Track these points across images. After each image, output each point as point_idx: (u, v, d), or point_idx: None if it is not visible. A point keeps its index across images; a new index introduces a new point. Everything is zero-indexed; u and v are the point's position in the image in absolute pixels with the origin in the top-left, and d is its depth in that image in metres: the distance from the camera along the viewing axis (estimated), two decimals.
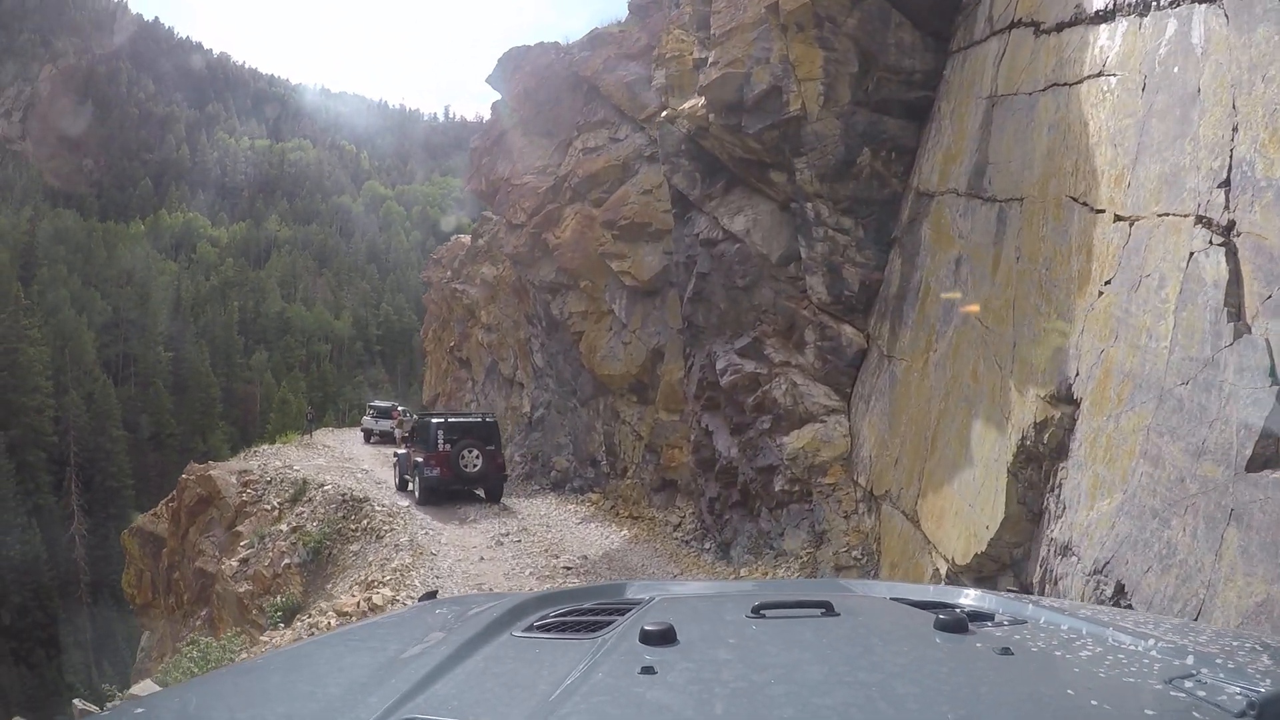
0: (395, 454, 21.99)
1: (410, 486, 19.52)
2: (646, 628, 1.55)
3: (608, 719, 1.18)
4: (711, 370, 12.63)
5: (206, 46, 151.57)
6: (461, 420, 19.68)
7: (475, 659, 1.54)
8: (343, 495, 18.08)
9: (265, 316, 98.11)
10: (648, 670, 1.34)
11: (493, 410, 28.44)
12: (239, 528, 21.47)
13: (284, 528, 18.18)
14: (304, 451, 31.03)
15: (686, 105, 13.55)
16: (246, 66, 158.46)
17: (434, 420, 19.17)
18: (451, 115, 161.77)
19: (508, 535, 15.53)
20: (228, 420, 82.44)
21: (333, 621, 11.33)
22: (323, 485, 19.70)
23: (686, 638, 1.55)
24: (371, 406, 38.09)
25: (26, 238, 78.86)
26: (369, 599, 11.45)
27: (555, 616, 1.91)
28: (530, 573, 12.68)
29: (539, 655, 1.60)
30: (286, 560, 16.83)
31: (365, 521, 16.82)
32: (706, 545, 13.49)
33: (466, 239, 35.58)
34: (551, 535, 15.71)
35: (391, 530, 15.92)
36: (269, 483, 23.04)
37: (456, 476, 18.00)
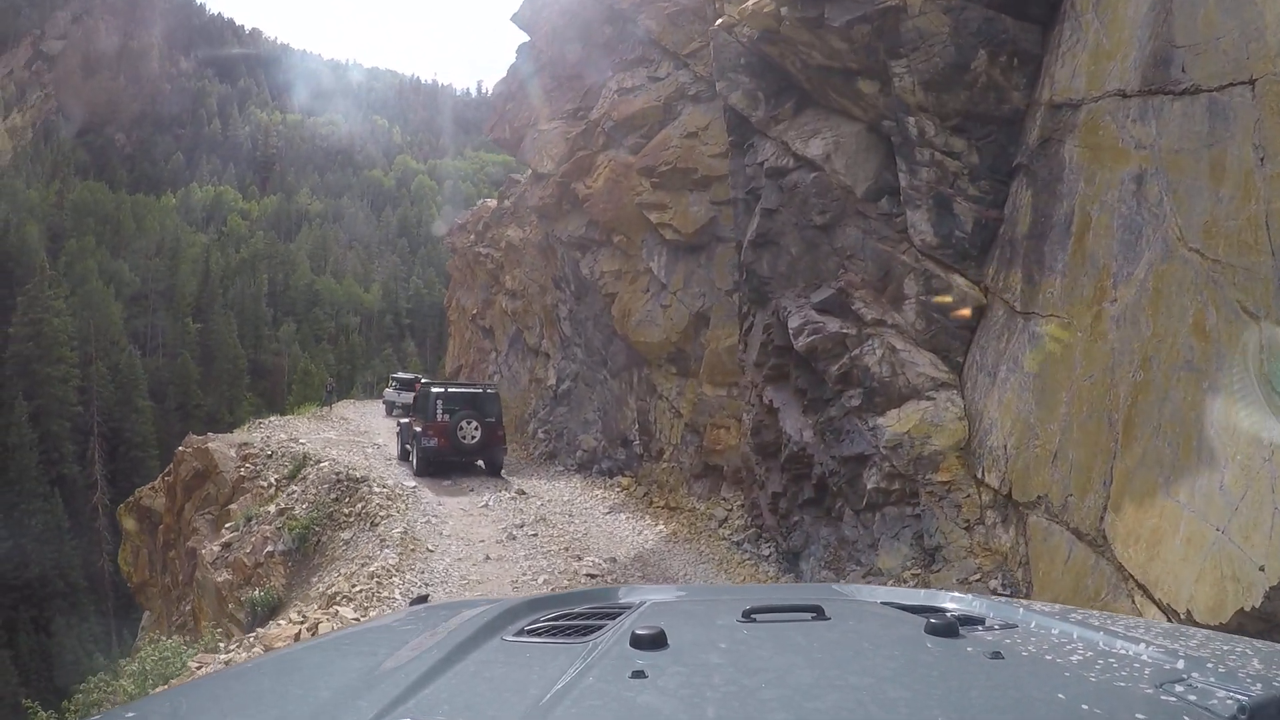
0: (398, 423, 20.81)
1: (411, 457, 18.65)
2: (638, 632, 1.51)
3: None
4: (781, 331, 9.87)
5: (239, 23, 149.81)
6: (461, 390, 18.73)
7: (466, 664, 1.51)
8: (337, 474, 15.54)
9: (294, 289, 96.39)
10: (639, 674, 1.31)
11: (516, 382, 25.95)
12: (233, 505, 19.09)
13: (273, 509, 15.68)
14: (316, 424, 28.67)
15: (750, 2, 10.70)
16: (279, 42, 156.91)
17: (433, 390, 18.19)
18: (484, 90, 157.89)
19: (522, 527, 12.91)
20: (255, 392, 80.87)
21: (261, 650, 8.72)
22: (320, 462, 17.16)
23: (677, 642, 1.52)
24: (394, 379, 35.66)
25: (55, 210, 77.31)
26: (316, 625, 8.77)
27: (546, 621, 1.87)
28: (545, 580, 10.04)
29: (530, 660, 1.56)
30: (270, 547, 14.33)
31: (360, 505, 14.27)
32: (765, 551, 10.79)
33: (493, 202, 32.99)
34: (574, 528, 13.08)
35: (388, 517, 13.36)
36: (269, 457, 20.67)
37: (455, 448, 17.09)
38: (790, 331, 9.42)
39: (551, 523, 13.32)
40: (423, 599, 2.60)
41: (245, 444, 22.42)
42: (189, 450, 22.72)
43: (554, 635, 1.74)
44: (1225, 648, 1.60)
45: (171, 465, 23.62)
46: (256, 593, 13.61)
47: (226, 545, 15.80)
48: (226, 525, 16.73)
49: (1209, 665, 1.42)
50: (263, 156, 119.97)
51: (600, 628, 1.76)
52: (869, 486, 8.48)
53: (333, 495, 14.87)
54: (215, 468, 21.73)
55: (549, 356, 23.41)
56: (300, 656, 1.79)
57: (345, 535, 13.59)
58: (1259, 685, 1.29)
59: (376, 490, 14.76)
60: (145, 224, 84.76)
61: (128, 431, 63.36)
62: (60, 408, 60.06)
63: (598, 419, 18.60)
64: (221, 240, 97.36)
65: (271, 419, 28.55)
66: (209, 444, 22.63)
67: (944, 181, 9.13)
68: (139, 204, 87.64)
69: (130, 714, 1.30)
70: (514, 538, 12.14)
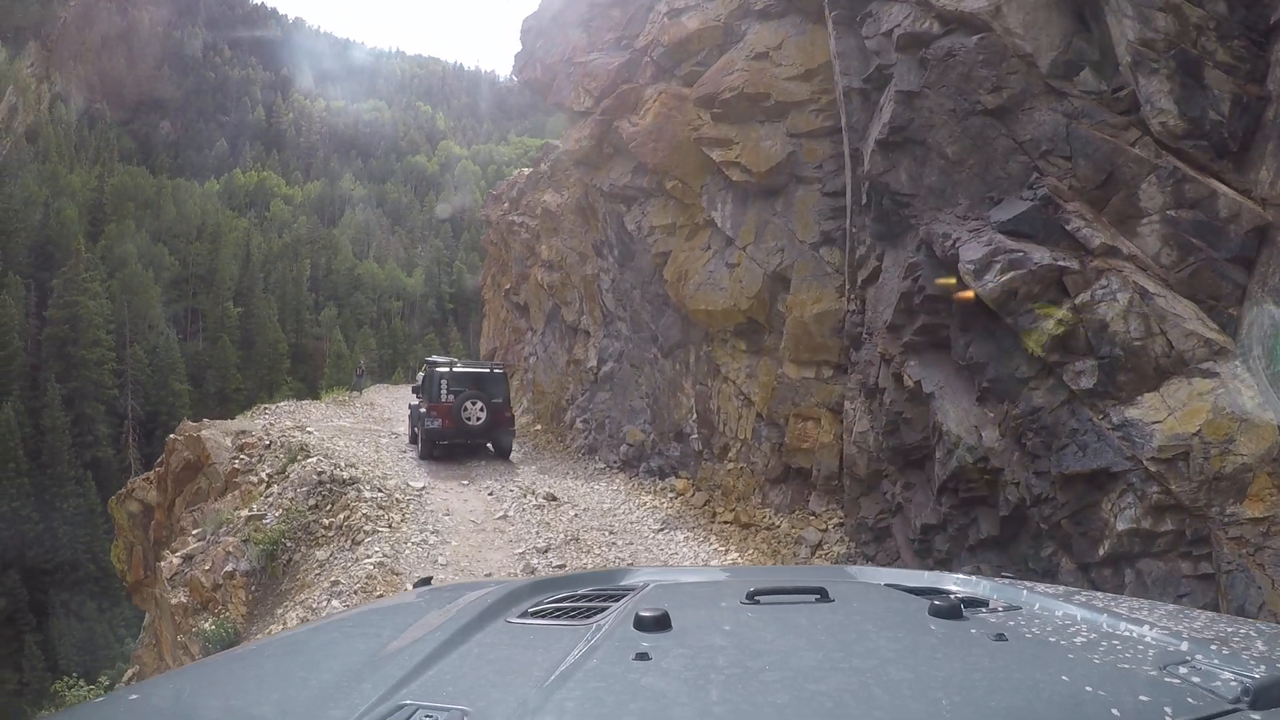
0: (409, 405, 19.30)
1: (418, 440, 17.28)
2: (641, 614, 1.48)
3: (602, 704, 1.13)
4: (935, 271, 6.34)
5: (282, 12, 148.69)
6: (468, 370, 17.48)
7: (470, 645, 1.48)
8: (320, 475, 12.26)
9: (336, 273, 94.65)
10: (642, 656, 1.28)
11: (553, 364, 22.64)
12: (219, 504, 16.01)
13: (245, 515, 12.46)
14: (335, 410, 25.62)
15: None
16: (322, 31, 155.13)
17: (439, 369, 17.02)
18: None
19: (546, 551, 9.56)
20: (296, 376, 79.07)
21: None
22: (311, 457, 13.94)
23: (681, 624, 1.48)
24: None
25: (95, 194, 75.75)
26: None
27: (550, 603, 1.83)
28: None
29: (534, 641, 1.53)
30: (230, 565, 11.13)
31: (344, 515, 11.02)
32: None
33: (528, 170, 29.68)
34: (615, 554, 9.74)
35: (373, 534, 10.09)
36: (268, 447, 17.53)
37: (459, 429, 15.92)
38: (962, 270, 5.90)
39: (586, 544, 9.94)
40: (426, 581, 2.45)
41: (243, 432, 19.33)
42: (180, 438, 19.67)
43: (558, 617, 1.69)
44: (1229, 630, 1.57)
45: (164, 455, 20.62)
46: (208, 624, 10.44)
47: (188, 558, 12.64)
48: (194, 531, 13.59)
49: (1212, 647, 1.38)
50: (306, 143, 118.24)
51: (604, 609, 1.70)
52: (1118, 527, 4.90)
53: (311, 501, 11.64)
54: (207, 458, 18.66)
55: (589, 335, 19.99)
56: (305, 638, 1.76)
57: (321, 554, 10.35)
58: (1262, 667, 1.26)
59: (367, 495, 11.48)
60: (186, 209, 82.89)
61: (163, 415, 61.37)
62: (95, 391, 58.40)
63: (646, 407, 15.14)
64: (264, 225, 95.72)
65: (282, 404, 25.50)
66: (203, 431, 19.58)
67: (1184, 37, 5.56)
68: (180, 188, 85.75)
69: (134, 695, 1.30)
70: (533, 569, 8.74)
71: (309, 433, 18.93)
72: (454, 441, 16.22)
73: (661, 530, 11.02)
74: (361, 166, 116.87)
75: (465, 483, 13.85)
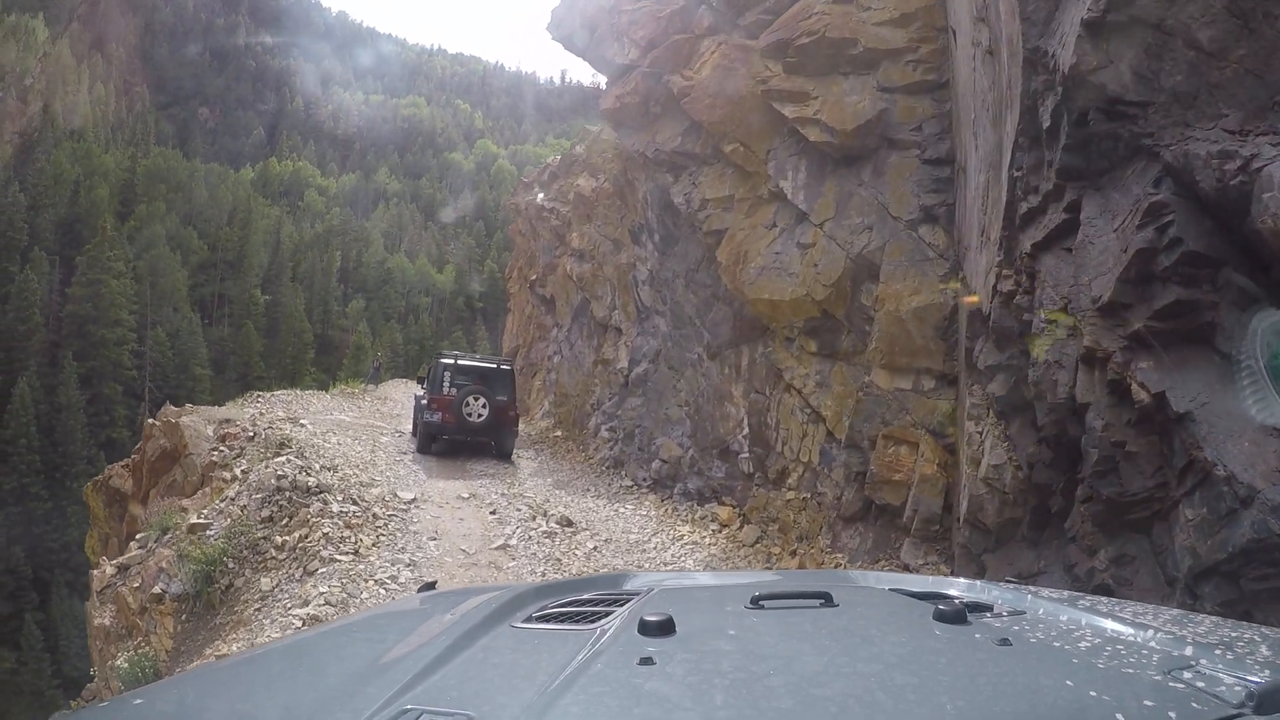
0: (415, 397, 18.17)
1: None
2: (645, 618, 1.45)
3: (607, 710, 1.11)
4: (1192, 210, 3.76)
5: (325, 5, 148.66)
6: (473, 364, 16.60)
7: (474, 650, 1.46)
8: (279, 479, 9.83)
9: (367, 266, 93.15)
10: (646, 661, 1.26)
11: (580, 365, 20.26)
12: (185, 501, 13.71)
13: (189, 522, 10.08)
14: (340, 402, 23.37)
15: None
16: (364, 25, 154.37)
17: (443, 361, 16.36)
18: (568, 80, 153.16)
19: None
20: (320, 366, 77.48)
21: None
22: (288, 454, 11.55)
23: (685, 629, 1.45)
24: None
25: (127, 175, 74.59)
26: None
27: (554, 607, 1.80)
28: None
29: (538, 646, 1.51)
30: (159, 587, 8.76)
31: (301, 534, 8.61)
32: None
33: (560, 155, 27.40)
34: None
35: (332, 562, 7.68)
36: (251, 439, 15.24)
37: (460, 425, 14.97)
38: (1267, 206, 3.32)
39: None
40: (430, 585, 2.39)
41: (227, 421, 17.06)
42: (159, 424, 17.43)
43: (562, 622, 1.67)
44: (1233, 634, 1.56)
45: (141, 441, 18.38)
46: (122, 660, 8.10)
47: (123, 568, 10.28)
48: (137, 537, 11.25)
49: (1217, 652, 1.38)
50: (343, 135, 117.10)
51: (608, 614, 1.68)
52: None
53: (265, 512, 9.25)
54: (184, 448, 16.41)
55: (620, 332, 17.53)
56: (309, 643, 1.74)
57: (267, 582, 7.95)
58: (1267, 671, 1.26)
59: (336, 509, 9.07)
60: (218, 193, 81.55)
61: (182, 398, 59.77)
62: (114, 371, 56.85)
63: (685, 417, 12.62)
64: (296, 215, 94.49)
65: (279, 392, 23.23)
66: (183, 418, 17.33)
67: None
68: (212, 173, 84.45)
69: (138, 700, 1.30)
70: None
71: (302, 425, 16.66)
72: (453, 438, 15.28)
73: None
74: (398, 161, 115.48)
75: (465, 496, 11.42)
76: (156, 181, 76.13)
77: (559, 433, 19.04)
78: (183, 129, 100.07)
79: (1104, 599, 2.01)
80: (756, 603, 1.67)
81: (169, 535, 10.33)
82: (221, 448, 15.91)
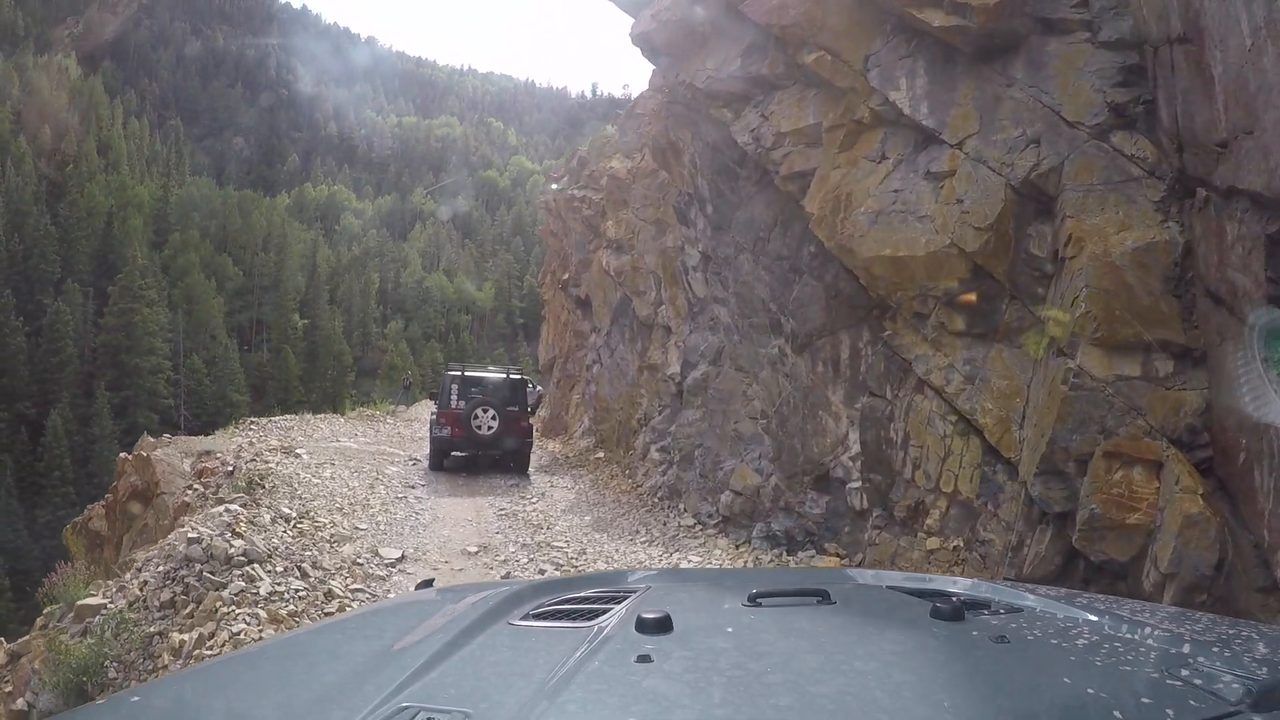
0: (431, 414, 16.86)
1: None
2: (643, 616, 1.44)
3: (604, 707, 1.11)
4: None
5: (354, 31, 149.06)
6: (482, 375, 15.97)
7: (471, 647, 1.43)
8: (191, 543, 6.73)
9: (405, 286, 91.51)
10: (644, 658, 1.24)
11: (623, 374, 17.25)
12: (138, 555, 10.80)
13: (95, 599, 7.05)
14: (355, 426, 20.56)
15: None
16: (394, 50, 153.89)
17: (451, 373, 15.74)
18: (599, 93, 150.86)
19: None
20: (360, 389, 75.64)
21: None
22: (221, 506, 8.51)
23: (683, 626, 1.44)
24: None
25: (160, 204, 73.47)
26: None
27: (552, 605, 1.77)
28: None
29: (536, 643, 1.48)
30: (24, 698, 5.78)
31: (204, 631, 5.53)
32: None
33: (589, 143, 24.38)
34: None
35: None
36: (230, 475, 12.42)
37: (469, 439, 14.15)
38: None
39: None
40: (428, 582, 2.31)
41: (207, 454, 14.27)
42: (131, 460, 14.65)
43: (560, 619, 1.63)
44: (1231, 631, 1.53)
45: (116, 478, 15.61)
46: None
47: (14, 658, 7.29)
48: (44, 613, 8.27)
49: (1214, 649, 1.35)
50: (377, 158, 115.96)
51: (606, 612, 1.64)
52: None
53: (166, 594, 6.23)
54: (156, 486, 13.64)
55: (669, 331, 14.36)
56: (307, 640, 1.72)
57: None
58: (1265, 669, 1.23)
59: (266, 589, 6.06)
60: (251, 220, 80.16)
61: (220, 426, 58.18)
62: (149, 400, 55.06)
63: (762, 432, 9.34)
64: (333, 238, 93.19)
65: (278, 418, 20.47)
66: (157, 450, 14.55)
67: None
68: (245, 199, 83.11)
69: (135, 698, 1.28)
70: None
71: (297, 456, 13.84)
72: (462, 451, 14.60)
73: None
74: (432, 180, 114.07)
75: (473, 550, 8.33)
76: (190, 210, 74.87)
77: (600, 454, 15.94)
78: (218, 160, 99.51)
79: (1101, 596, 1.95)
80: (754, 600, 1.63)
81: (71, 616, 7.35)
82: (197, 485, 13.13)
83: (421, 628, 1.59)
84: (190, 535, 6.70)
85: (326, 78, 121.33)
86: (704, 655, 1.28)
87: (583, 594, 1.88)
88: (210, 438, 16.85)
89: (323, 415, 22.44)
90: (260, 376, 68.19)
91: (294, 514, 8.56)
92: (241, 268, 74.30)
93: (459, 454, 14.75)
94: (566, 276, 22.06)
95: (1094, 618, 1.61)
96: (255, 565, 6.33)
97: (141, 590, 6.42)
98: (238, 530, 6.96)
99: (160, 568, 6.52)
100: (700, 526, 9.66)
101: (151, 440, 15.74)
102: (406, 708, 1.10)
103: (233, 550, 6.49)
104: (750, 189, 9.88)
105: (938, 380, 6.96)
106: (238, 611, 5.66)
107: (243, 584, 6.06)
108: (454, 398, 14.74)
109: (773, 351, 9.13)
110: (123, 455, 15.25)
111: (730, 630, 1.46)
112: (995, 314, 6.71)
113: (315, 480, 11.70)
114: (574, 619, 1.61)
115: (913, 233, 6.75)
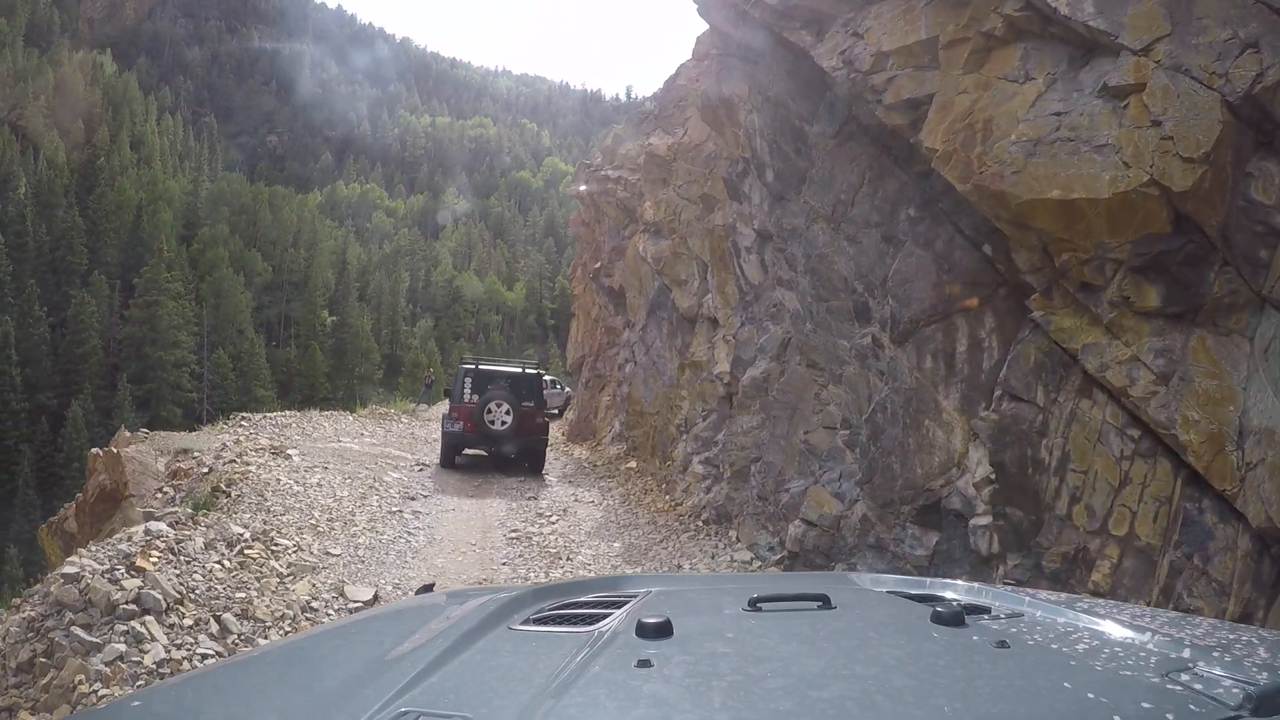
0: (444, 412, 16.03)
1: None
2: (643, 620, 1.39)
3: (604, 711, 1.10)
4: None
5: (389, 31, 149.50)
6: (495, 370, 15.03)
7: (472, 652, 1.41)
8: (62, 588, 4.87)
9: (435, 285, 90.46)
10: (644, 663, 1.22)
11: (660, 373, 15.40)
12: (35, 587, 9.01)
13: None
14: (364, 425, 18.84)
15: None
16: (429, 51, 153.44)
17: (464, 367, 14.85)
18: (634, 95, 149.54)
19: None
20: (388, 386, 74.56)
21: None
22: (137, 526, 6.66)
23: (683, 631, 1.39)
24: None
25: (190, 199, 72.85)
26: None
27: (552, 609, 1.74)
28: None
29: (536, 648, 1.45)
30: None
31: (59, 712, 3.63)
32: None
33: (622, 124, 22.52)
34: None
35: None
36: (205, 475, 10.77)
37: (481, 434, 13.32)
38: None
39: None
40: (428, 587, 2.34)
41: (184, 452, 12.54)
42: (102, 456, 12.96)
43: (560, 624, 1.61)
44: (1231, 636, 1.51)
45: (86, 477, 13.93)
46: None
47: None
48: None
49: (1215, 654, 1.33)
50: (410, 157, 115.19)
51: (606, 616, 1.61)
52: None
53: (25, 653, 4.41)
54: (125, 486, 11.93)
55: (716, 324, 12.39)
56: (307, 645, 1.71)
57: None
58: (1265, 674, 1.22)
59: (156, 654, 4.19)
60: (282, 215, 79.34)
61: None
62: (172, 393, 54.09)
63: (843, 446, 7.33)
64: (364, 236, 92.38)
65: (276, 414, 18.70)
66: (130, 447, 12.84)
67: None
68: (276, 195, 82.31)
69: (136, 703, 1.27)
70: None
71: (287, 457, 12.17)
72: (475, 447, 14.09)
73: None
74: (465, 181, 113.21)
75: (475, 585, 6.40)
76: (220, 205, 74.13)
77: (632, 463, 14.03)
78: (251, 156, 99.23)
79: (1101, 601, 1.92)
80: (754, 605, 1.61)
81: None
82: (168, 488, 11.47)
83: (421, 632, 1.57)
84: (66, 570, 4.86)
85: (360, 77, 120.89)
86: (704, 660, 1.26)
87: (583, 599, 1.83)
88: (193, 435, 15.11)
89: (328, 412, 20.63)
90: (287, 372, 67.25)
91: (247, 534, 6.72)
92: (271, 263, 73.53)
93: (471, 451, 14.22)
94: (598, 265, 20.16)
95: (1094, 623, 1.59)
96: (149, 618, 4.49)
97: (2, 642, 4.61)
98: (138, 564, 5.13)
99: (27, 613, 4.71)
100: (759, 562, 7.67)
101: (128, 435, 14.07)
102: (407, 713, 1.08)
103: (118, 596, 4.64)
104: (828, 144, 7.90)
105: (1114, 379, 4.94)
106: (103, 692, 3.81)
107: (123, 646, 4.23)
108: (467, 391, 14.22)
109: (861, 343, 7.12)
110: (94, 451, 13.58)
111: (730, 635, 1.43)
112: (1201, 285, 4.70)
113: (297, 488, 9.91)
114: (574, 624, 1.57)
115: (1091, 167, 4.75)
